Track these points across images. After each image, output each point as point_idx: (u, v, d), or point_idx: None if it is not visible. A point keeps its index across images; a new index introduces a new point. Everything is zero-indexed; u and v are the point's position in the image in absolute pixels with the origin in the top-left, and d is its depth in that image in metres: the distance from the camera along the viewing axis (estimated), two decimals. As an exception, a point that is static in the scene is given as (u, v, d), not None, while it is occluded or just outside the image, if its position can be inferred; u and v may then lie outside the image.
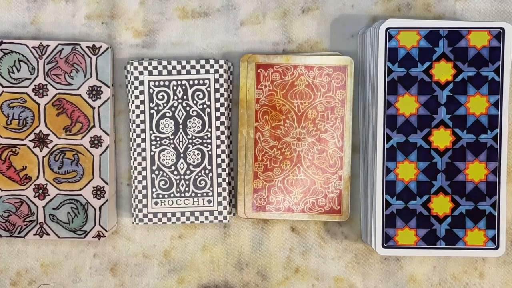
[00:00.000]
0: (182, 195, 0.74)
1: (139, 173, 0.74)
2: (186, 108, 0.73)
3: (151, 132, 0.74)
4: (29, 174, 0.73)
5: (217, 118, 0.74)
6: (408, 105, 0.71)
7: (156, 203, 0.74)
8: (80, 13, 0.75)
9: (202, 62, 0.73)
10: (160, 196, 0.74)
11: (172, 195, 0.74)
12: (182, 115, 0.74)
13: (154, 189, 0.74)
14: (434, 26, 0.70)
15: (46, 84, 0.73)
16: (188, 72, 0.73)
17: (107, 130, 0.73)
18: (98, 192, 0.73)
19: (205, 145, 0.74)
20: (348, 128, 0.74)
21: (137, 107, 0.73)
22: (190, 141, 0.74)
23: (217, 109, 0.74)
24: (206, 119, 0.74)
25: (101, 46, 0.73)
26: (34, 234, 0.74)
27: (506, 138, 0.71)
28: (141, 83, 0.73)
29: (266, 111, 0.74)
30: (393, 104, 0.71)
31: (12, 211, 0.74)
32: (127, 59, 0.75)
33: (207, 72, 0.73)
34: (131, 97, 0.73)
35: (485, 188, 0.71)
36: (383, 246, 0.72)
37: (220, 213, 0.74)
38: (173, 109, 0.73)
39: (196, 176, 0.74)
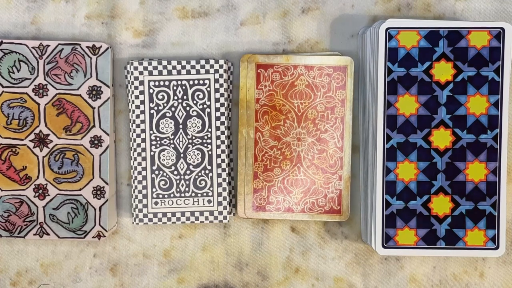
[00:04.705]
0: (182, 195, 0.74)
1: (139, 173, 0.74)
2: (186, 108, 0.74)
3: (151, 132, 0.74)
4: (29, 174, 0.73)
5: (217, 118, 0.74)
6: (408, 105, 0.71)
7: (156, 203, 0.74)
8: (80, 13, 0.75)
9: (202, 62, 0.73)
10: (160, 196, 0.74)
11: (172, 195, 0.74)
12: (182, 115, 0.74)
13: (154, 189, 0.74)
14: (434, 26, 0.70)
15: (46, 84, 0.73)
16: (188, 72, 0.73)
17: (107, 130, 0.73)
18: (98, 192, 0.73)
19: (205, 145, 0.74)
20: (348, 128, 0.74)
21: (137, 107, 0.73)
22: (190, 141, 0.74)
23: (217, 109, 0.74)
24: (206, 119, 0.74)
25: (101, 46, 0.73)
26: (34, 234, 0.74)
27: (506, 138, 0.71)
28: (141, 83, 0.73)
29: (266, 111, 0.74)
30: (393, 104, 0.71)
31: (12, 211, 0.74)
32: (127, 59, 0.75)
33: (207, 72, 0.73)
34: (131, 97, 0.73)
35: (485, 188, 0.71)
36: (383, 246, 0.72)
37: (220, 213, 0.74)
38: (173, 109, 0.73)
39: (196, 176, 0.74)
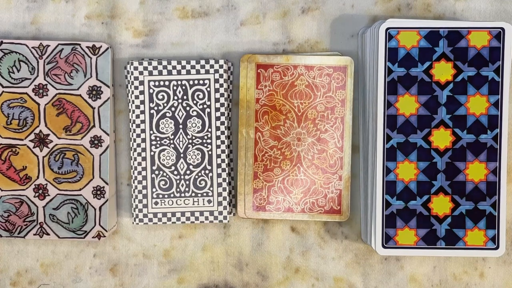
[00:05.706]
0: (182, 195, 0.74)
1: (139, 173, 0.74)
2: (186, 108, 0.74)
3: (151, 132, 0.74)
4: (29, 174, 0.73)
5: (217, 118, 0.74)
6: (408, 105, 0.71)
7: (156, 203, 0.74)
8: (80, 13, 0.75)
9: (202, 62, 0.73)
10: (160, 196, 0.74)
11: (172, 195, 0.74)
12: (182, 115, 0.74)
13: (154, 189, 0.74)
14: (434, 26, 0.70)
15: (46, 84, 0.73)
16: (188, 72, 0.73)
17: (107, 130, 0.73)
18: (98, 192, 0.73)
19: (205, 145, 0.74)
20: (348, 128, 0.74)
21: (137, 107, 0.73)
22: (190, 141, 0.74)
23: (217, 109, 0.74)
24: (206, 119, 0.74)
25: (101, 46, 0.73)
26: (34, 234, 0.74)
27: (506, 138, 0.71)
28: (141, 83, 0.73)
29: (266, 111, 0.74)
30: (393, 104, 0.71)
31: (12, 211, 0.74)
32: (127, 59, 0.75)
33: (207, 72, 0.73)
34: (131, 97, 0.73)
35: (485, 188, 0.71)
36: (383, 246, 0.72)
37: (220, 213, 0.74)
38: (173, 109, 0.73)
39: (196, 176, 0.74)
